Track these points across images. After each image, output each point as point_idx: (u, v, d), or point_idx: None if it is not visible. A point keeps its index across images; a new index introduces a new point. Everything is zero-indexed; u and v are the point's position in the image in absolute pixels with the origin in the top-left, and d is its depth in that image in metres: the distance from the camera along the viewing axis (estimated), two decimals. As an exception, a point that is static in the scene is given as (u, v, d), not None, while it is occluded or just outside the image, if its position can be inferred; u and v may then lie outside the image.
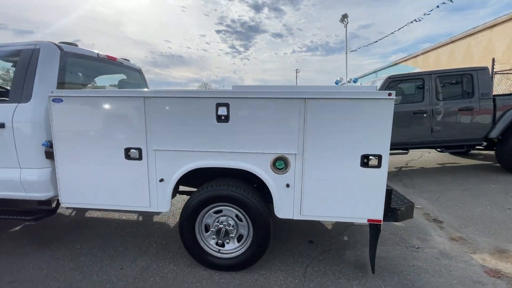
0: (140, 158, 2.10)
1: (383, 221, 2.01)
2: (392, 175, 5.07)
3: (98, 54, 2.84)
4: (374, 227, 2.07)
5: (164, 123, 2.05)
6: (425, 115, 4.60)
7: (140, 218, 3.29)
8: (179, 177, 2.10)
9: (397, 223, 3.07)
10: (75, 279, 2.12)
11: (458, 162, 5.93)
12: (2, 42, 2.40)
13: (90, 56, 2.74)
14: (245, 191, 2.07)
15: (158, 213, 3.37)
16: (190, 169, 2.08)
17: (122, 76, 3.44)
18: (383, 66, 18.87)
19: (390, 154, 4.83)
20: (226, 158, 2.05)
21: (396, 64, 17.09)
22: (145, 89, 2.64)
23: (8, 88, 2.35)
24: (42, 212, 2.38)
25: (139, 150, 2.09)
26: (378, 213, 1.98)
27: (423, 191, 4.20)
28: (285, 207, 2.06)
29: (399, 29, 19.07)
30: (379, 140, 1.90)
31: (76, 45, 2.63)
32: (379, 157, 1.91)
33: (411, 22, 13.75)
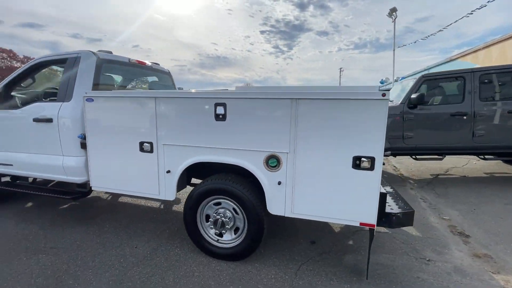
0: (151, 151, 2.39)
1: (377, 226, 1.94)
2: (426, 183, 4.66)
3: (129, 59, 3.25)
4: (370, 231, 2.02)
5: (171, 121, 2.29)
6: (465, 117, 4.13)
7: (162, 206, 3.65)
8: (183, 169, 2.32)
9: (413, 233, 2.88)
10: (97, 252, 2.50)
11: (510, 173, 5.15)
12: (78, 49, 2.88)
13: (122, 62, 3.15)
14: (241, 186, 2.20)
15: (175, 202, 3.70)
16: (192, 163, 2.29)
17: (154, 78, 3.86)
18: (437, 63, 16.96)
19: (423, 159, 4.48)
20: (223, 154, 2.20)
21: (452, 60, 15.23)
22: (156, 90, 2.94)
23: (57, 90, 2.86)
24: (79, 193, 2.84)
25: (151, 144, 2.37)
26: (371, 217, 1.93)
27: (457, 201, 3.79)
28: (277, 204, 2.13)
29: (457, 20, 16.97)
30: (372, 142, 1.85)
31: (111, 52, 3.07)
32: (372, 160, 1.85)
33: (472, 12, 12.12)
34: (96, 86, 2.75)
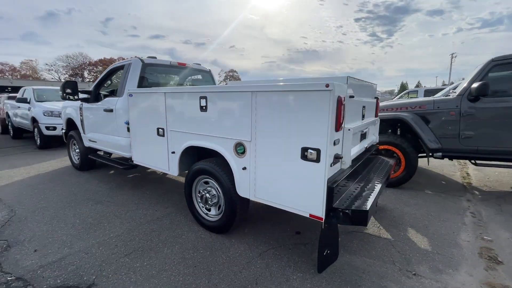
0: (163, 135, 3.00)
1: (325, 220, 1.91)
2: (496, 196, 3.68)
3: (170, 62, 4.01)
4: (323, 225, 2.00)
5: (174, 111, 2.83)
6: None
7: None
8: (181, 151, 2.83)
9: (422, 245, 2.50)
10: (131, 209, 3.35)
11: None
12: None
13: (164, 64, 3.94)
14: (221, 169, 2.52)
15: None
16: (187, 146, 2.76)
17: (198, 77, 4.58)
18: None
19: (486, 165, 3.57)
20: (205, 140, 2.58)
21: None
22: (167, 87, 3.54)
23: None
24: (129, 165, 3.80)
25: (163, 129, 2.99)
26: (318, 210, 1.92)
27: (525, 223, 2.91)
28: (244, 187, 2.35)
29: None
30: (317, 134, 1.84)
31: (155, 58, 3.88)
32: (318, 151, 1.84)
33: None
34: (140, 84, 3.60)
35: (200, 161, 2.74)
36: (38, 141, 7.09)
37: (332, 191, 1.87)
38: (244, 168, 2.30)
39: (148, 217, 3.12)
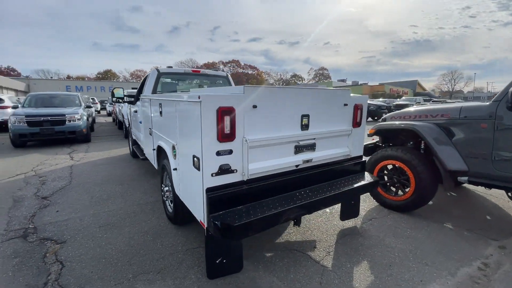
0: (151, 135, 3.57)
1: (206, 228, 1.95)
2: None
3: (184, 70, 4.59)
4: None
5: (153, 115, 3.33)
6: None
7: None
8: (156, 148, 3.30)
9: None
10: (137, 191, 4.11)
11: None
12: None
13: (178, 72, 4.55)
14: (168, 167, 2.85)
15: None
16: (157, 145, 3.21)
17: (219, 81, 5.04)
18: None
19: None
20: (162, 141, 2.95)
21: None
22: (154, 94, 4.03)
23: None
24: (143, 158, 4.61)
25: (150, 129, 3.55)
26: (202, 217, 1.98)
27: None
28: (177, 187, 2.60)
29: None
30: (197, 143, 1.91)
31: (171, 67, 4.54)
32: (198, 160, 1.92)
33: None
34: (155, 91, 4.32)
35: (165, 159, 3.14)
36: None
37: (211, 200, 1.89)
38: (175, 169, 2.54)
39: (141, 201, 3.77)
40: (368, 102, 16.02)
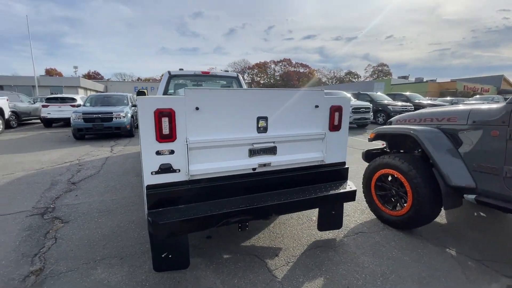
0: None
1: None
2: None
3: (194, 72, 4.83)
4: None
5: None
6: None
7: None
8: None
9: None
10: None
11: None
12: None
13: (188, 74, 4.81)
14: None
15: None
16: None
17: (223, 83, 5.18)
18: None
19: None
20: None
21: None
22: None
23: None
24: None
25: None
26: (146, 212, 2.11)
27: None
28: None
29: None
30: (140, 142, 2.03)
31: (182, 69, 4.82)
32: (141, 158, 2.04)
33: None
34: (166, 92, 4.66)
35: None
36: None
37: (150, 197, 2.00)
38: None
39: (144, 193, 4.14)
40: (384, 102, 14.00)
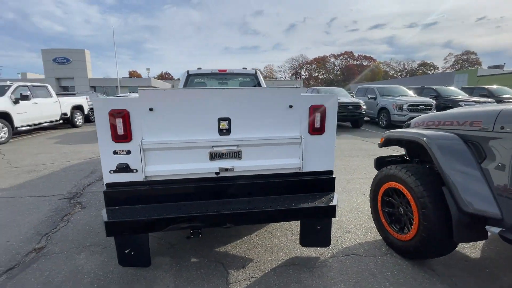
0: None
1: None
2: None
3: (211, 70, 4.88)
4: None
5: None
6: None
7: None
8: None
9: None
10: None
11: None
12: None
13: (205, 73, 4.89)
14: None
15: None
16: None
17: (241, 80, 5.12)
18: None
19: None
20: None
21: None
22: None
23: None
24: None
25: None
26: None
27: None
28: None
29: None
30: (102, 142, 2.12)
31: (200, 68, 4.92)
32: (104, 157, 2.13)
33: None
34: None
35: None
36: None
37: (107, 195, 2.07)
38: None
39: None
40: (455, 98, 11.16)
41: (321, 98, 2.21)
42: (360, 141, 8.32)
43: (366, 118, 11.70)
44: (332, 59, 74.58)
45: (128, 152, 2.05)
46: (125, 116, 1.97)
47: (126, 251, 2.22)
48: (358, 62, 73.40)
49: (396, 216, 2.53)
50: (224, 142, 2.13)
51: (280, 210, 2.06)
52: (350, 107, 10.45)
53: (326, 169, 2.32)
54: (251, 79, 5.06)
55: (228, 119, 2.12)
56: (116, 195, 2.08)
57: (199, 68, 5.18)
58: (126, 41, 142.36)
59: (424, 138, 2.11)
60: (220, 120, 2.11)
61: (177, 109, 2.05)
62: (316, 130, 2.22)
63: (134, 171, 2.08)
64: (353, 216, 3.22)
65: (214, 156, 2.16)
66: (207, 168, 2.15)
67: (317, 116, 2.19)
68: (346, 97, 11.61)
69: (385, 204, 2.63)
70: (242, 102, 2.12)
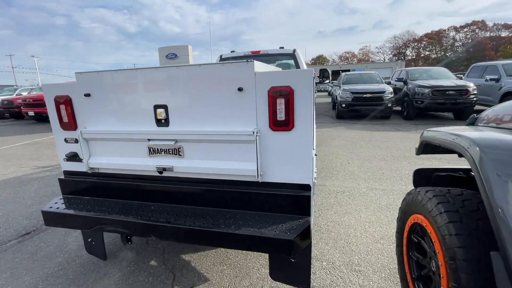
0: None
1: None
2: None
3: (244, 53, 4.43)
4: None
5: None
6: None
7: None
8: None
9: None
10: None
11: None
12: None
13: (238, 56, 4.47)
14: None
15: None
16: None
17: (279, 61, 4.49)
18: None
19: None
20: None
21: None
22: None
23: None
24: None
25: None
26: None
27: None
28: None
29: None
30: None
31: (234, 51, 4.54)
32: (64, 144, 2.11)
33: None
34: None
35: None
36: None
37: (60, 182, 2.05)
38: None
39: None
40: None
41: (286, 76, 1.47)
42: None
43: (480, 107, 8.60)
44: (452, 33, 59.11)
45: (76, 140, 1.93)
46: (67, 102, 1.84)
47: (89, 240, 2.19)
48: (492, 34, 55.54)
49: (425, 270, 1.53)
50: (161, 135, 1.73)
51: (214, 232, 1.52)
52: (451, 92, 7.83)
53: (297, 181, 1.59)
54: (287, 59, 4.33)
55: (165, 107, 1.70)
56: (69, 184, 2.03)
57: (233, 51, 4.82)
58: (226, 34, 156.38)
59: (467, 143, 1.09)
60: (156, 107, 1.71)
61: (113, 95, 1.78)
62: (279, 124, 1.51)
63: (82, 161, 1.96)
64: (376, 249, 2.25)
65: (152, 151, 1.79)
66: (146, 165, 1.82)
67: (281, 103, 1.48)
68: (447, 79, 8.80)
69: (413, 246, 1.64)
70: (180, 85, 1.64)
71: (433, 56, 62.76)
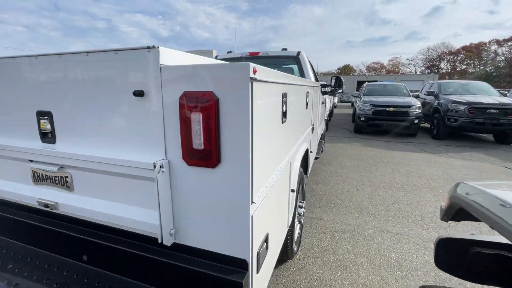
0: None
1: None
2: None
3: (241, 54, 3.86)
4: None
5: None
6: None
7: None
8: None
9: None
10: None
11: None
12: None
13: (236, 57, 3.91)
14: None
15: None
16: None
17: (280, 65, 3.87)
18: None
19: None
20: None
21: None
22: None
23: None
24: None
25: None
26: None
27: None
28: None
29: None
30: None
31: (230, 52, 3.99)
32: None
33: None
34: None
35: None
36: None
37: None
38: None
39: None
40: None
41: (207, 74, 0.86)
42: (503, 169, 5.03)
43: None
44: (494, 46, 54.56)
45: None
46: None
47: None
48: (542, 48, 50.46)
49: None
50: (45, 157, 1.18)
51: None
52: (492, 110, 6.65)
53: (228, 253, 0.95)
54: (291, 62, 3.68)
55: (49, 114, 1.15)
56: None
57: (229, 52, 4.28)
58: (254, 42, 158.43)
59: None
60: (39, 115, 1.17)
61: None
62: (197, 154, 0.90)
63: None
64: None
65: (37, 177, 1.24)
66: (27, 195, 1.27)
67: (198, 119, 0.87)
68: (487, 96, 7.57)
69: None
70: (65, 82, 1.08)
71: (470, 70, 58.36)
